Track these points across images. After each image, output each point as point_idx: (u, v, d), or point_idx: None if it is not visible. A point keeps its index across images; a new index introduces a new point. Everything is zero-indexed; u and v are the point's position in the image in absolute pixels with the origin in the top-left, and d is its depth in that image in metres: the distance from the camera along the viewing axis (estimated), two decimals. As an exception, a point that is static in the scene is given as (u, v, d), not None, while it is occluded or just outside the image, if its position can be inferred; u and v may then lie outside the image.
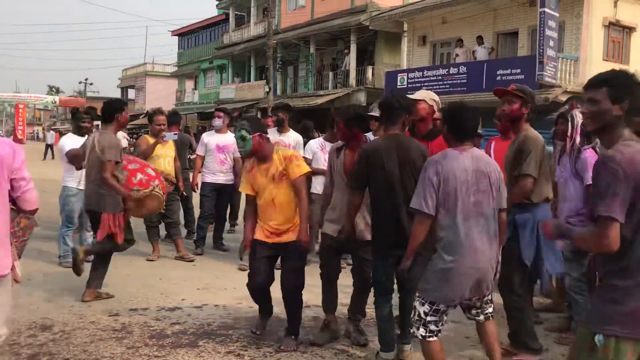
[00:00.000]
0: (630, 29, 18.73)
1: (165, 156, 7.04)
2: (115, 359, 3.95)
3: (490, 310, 3.56)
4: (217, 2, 38.07)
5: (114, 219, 5.13)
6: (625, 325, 2.27)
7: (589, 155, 4.27)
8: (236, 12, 36.17)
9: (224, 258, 7.30)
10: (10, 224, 3.06)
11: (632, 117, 2.40)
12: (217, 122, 7.68)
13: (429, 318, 3.39)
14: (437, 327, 3.42)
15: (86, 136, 6.54)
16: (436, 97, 4.68)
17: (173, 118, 8.17)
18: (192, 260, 7.06)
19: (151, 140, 6.97)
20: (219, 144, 7.52)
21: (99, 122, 7.18)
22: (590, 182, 4.15)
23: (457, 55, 20.17)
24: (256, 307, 4.62)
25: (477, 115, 3.46)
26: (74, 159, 5.82)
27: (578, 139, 4.35)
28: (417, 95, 4.67)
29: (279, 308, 4.55)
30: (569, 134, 4.37)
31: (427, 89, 19.15)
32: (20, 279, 3.16)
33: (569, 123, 4.40)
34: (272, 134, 6.15)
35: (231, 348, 4.22)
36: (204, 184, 7.60)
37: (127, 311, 5.00)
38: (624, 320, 2.28)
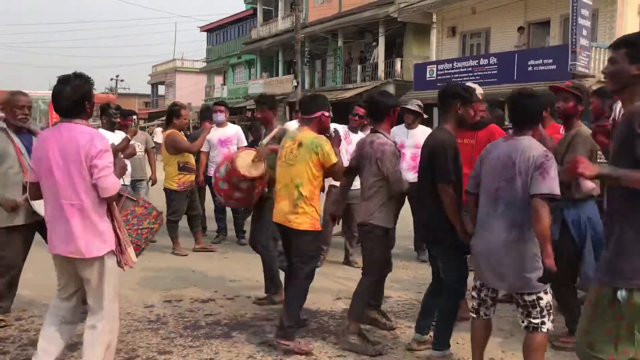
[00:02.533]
0: (666, 16, 18.21)
1: None
2: (151, 349, 4.03)
3: (536, 320, 3.29)
4: (245, -3, 38.27)
5: None
6: None
7: None
8: (264, 7, 36.28)
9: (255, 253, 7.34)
10: (122, 211, 3.37)
11: None
12: (220, 116, 7.77)
13: (473, 293, 3.57)
14: (478, 306, 3.52)
15: (116, 132, 6.69)
16: (480, 89, 4.75)
17: (205, 113, 8.30)
18: (213, 250, 7.26)
19: (181, 135, 7.12)
20: (221, 138, 7.61)
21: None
22: None
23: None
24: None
25: (535, 102, 3.40)
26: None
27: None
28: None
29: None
30: (610, 125, 4.29)
31: (457, 81, 19.01)
32: (132, 264, 3.32)
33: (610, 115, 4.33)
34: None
35: (264, 339, 4.27)
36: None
37: (162, 303, 5.09)
38: None
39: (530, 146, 3.25)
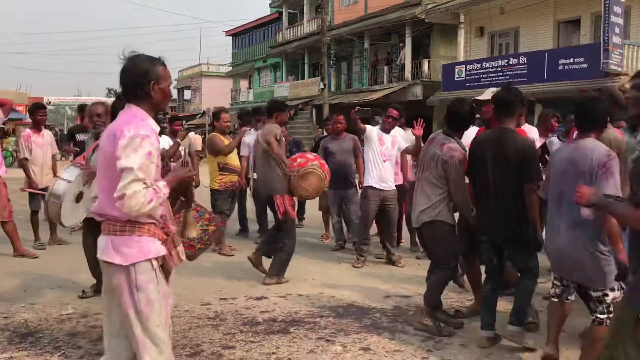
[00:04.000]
0: (701, 12, 17.96)
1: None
2: (215, 344, 4.19)
3: (602, 316, 3.44)
4: (270, 1, 38.56)
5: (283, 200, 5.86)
6: None
7: None
8: (289, 10, 36.56)
9: (297, 252, 7.50)
10: (175, 214, 3.31)
11: None
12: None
13: (556, 282, 3.80)
14: (558, 291, 3.77)
15: (162, 136, 6.92)
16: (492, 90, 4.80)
17: (245, 118, 8.57)
18: (232, 255, 7.29)
19: (223, 138, 7.30)
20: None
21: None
22: None
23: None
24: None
25: (599, 106, 3.52)
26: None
27: None
28: (485, 95, 4.77)
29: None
30: None
31: (486, 81, 18.86)
32: (176, 263, 2.89)
33: None
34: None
35: (321, 334, 4.40)
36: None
37: (218, 300, 5.26)
38: None
39: (593, 147, 3.35)
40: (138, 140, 2.49)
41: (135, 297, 2.61)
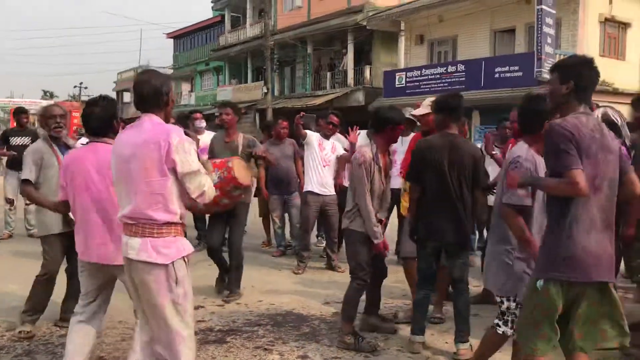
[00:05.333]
0: (625, 25, 18.96)
1: None
2: (148, 356, 4.05)
3: (496, 321, 3.46)
4: (212, 4, 38.13)
5: None
6: (557, 269, 2.72)
7: None
8: (232, 14, 36.25)
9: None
10: None
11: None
12: (202, 123, 7.92)
13: None
14: None
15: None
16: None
17: (183, 121, 8.37)
18: None
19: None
20: (200, 146, 7.59)
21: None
22: None
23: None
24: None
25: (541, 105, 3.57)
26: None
27: None
28: (423, 110, 4.84)
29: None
30: None
31: (426, 88, 19.27)
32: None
33: None
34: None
35: (258, 343, 4.34)
36: None
37: (152, 310, 5.10)
38: (557, 265, 2.72)
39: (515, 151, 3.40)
40: (186, 144, 2.83)
41: (174, 291, 2.89)
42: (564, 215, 2.73)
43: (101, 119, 3.52)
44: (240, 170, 4.95)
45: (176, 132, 2.84)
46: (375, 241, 4.22)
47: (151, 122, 2.90)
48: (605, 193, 2.76)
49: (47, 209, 4.02)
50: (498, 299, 3.44)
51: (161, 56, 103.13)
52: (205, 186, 2.89)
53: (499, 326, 3.41)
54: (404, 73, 21.50)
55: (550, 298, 2.74)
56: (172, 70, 46.01)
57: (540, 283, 2.77)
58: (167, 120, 3.00)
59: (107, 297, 3.64)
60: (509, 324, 3.35)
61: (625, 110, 5.08)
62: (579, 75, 2.80)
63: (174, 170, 2.81)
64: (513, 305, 3.32)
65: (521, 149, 3.28)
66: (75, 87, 62.00)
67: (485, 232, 4.45)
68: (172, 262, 2.87)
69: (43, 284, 4.40)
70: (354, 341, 4.25)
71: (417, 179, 4.20)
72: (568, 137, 2.66)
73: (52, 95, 79.46)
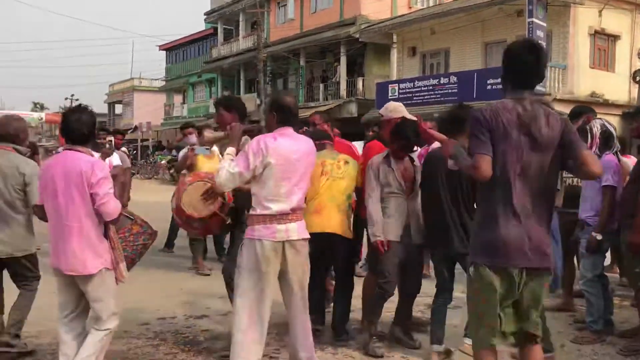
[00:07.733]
0: (615, 37, 19.24)
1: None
2: (156, 365, 4.09)
3: None
4: (205, 17, 38.30)
5: None
6: (483, 254, 2.77)
7: (608, 159, 4.59)
8: (225, 26, 36.43)
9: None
10: (120, 229, 3.62)
11: None
12: (192, 138, 7.81)
13: None
14: None
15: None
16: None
17: None
18: (208, 274, 7.12)
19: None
20: None
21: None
22: (607, 183, 4.46)
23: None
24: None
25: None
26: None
27: (594, 147, 4.65)
28: (402, 112, 4.81)
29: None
30: (588, 144, 4.64)
31: (418, 99, 19.33)
32: (124, 279, 3.54)
33: (588, 134, 4.69)
34: None
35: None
36: None
37: (156, 320, 5.14)
38: (482, 250, 2.78)
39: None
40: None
41: None
42: (485, 199, 2.81)
43: (78, 128, 3.47)
44: (188, 198, 4.02)
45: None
46: (372, 239, 4.32)
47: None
48: (533, 178, 2.73)
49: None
50: None
51: (154, 68, 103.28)
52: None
53: None
54: (397, 85, 21.65)
55: (484, 283, 2.74)
56: (164, 82, 46.16)
57: (471, 270, 2.83)
58: None
59: (87, 306, 3.58)
60: None
61: (615, 122, 5.24)
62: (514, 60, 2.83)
63: None
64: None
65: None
66: (66, 99, 61.78)
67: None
68: None
69: None
70: (368, 341, 4.39)
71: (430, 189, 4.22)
72: (480, 122, 2.74)
73: (42, 107, 79.08)
